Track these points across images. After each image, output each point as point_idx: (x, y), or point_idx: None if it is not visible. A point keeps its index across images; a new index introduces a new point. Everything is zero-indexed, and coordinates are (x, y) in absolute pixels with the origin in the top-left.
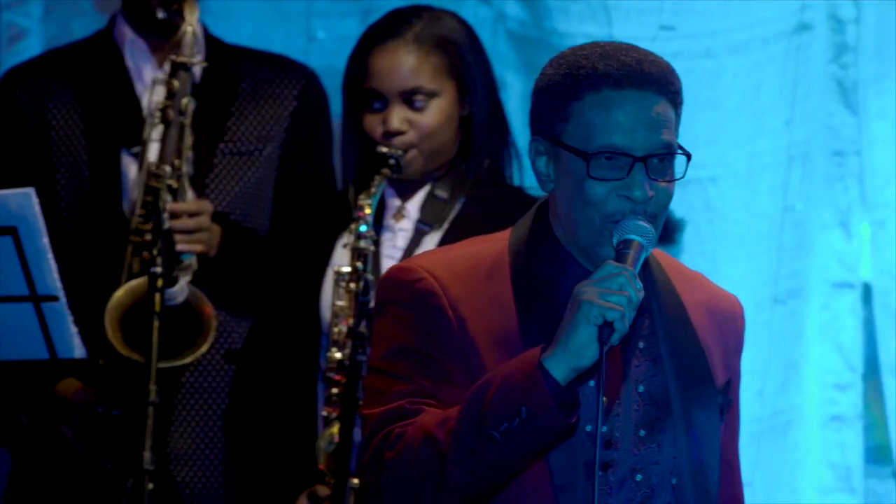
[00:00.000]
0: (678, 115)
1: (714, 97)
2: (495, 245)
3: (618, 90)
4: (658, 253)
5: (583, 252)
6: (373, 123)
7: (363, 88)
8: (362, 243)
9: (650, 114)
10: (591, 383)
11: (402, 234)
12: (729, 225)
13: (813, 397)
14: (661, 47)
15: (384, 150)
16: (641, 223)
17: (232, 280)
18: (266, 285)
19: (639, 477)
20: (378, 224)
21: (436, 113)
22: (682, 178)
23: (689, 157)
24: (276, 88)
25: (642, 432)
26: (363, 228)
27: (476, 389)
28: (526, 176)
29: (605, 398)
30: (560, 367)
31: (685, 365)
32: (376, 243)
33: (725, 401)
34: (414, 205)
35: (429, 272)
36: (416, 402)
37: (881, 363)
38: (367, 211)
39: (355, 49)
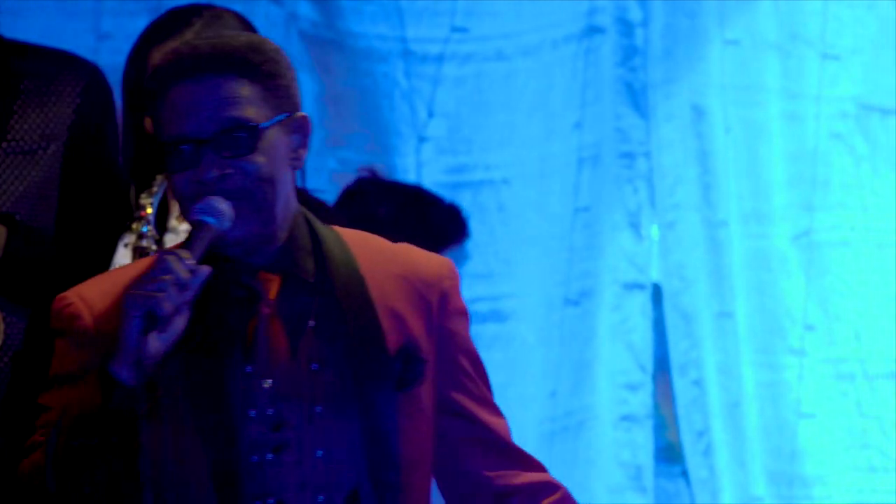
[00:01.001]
0: (268, 88)
1: (506, 100)
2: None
3: (178, 81)
4: (349, 232)
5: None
6: None
7: (143, 87)
8: (144, 242)
9: (211, 95)
10: (249, 369)
11: (185, 235)
12: (521, 226)
13: (604, 397)
14: (454, 49)
15: None
16: (209, 201)
17: (17, 281)
18: (51, 285)
19: (319, 453)
20: (162, 226)
21: None
22: (251, 152)
23: (258, 127)
24: (59, 86)
25: (318, 408)
26: (145, 228)
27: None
28: (309, 178)
29: (270, 381)
30: (123, 367)
31: (358, 339)
32: (159, 244)
33: (415, 364)
34: None
35: (79, 296)
36: (49, 431)
37: (671, 363)
38: (149, 210)
39: (135, 47)
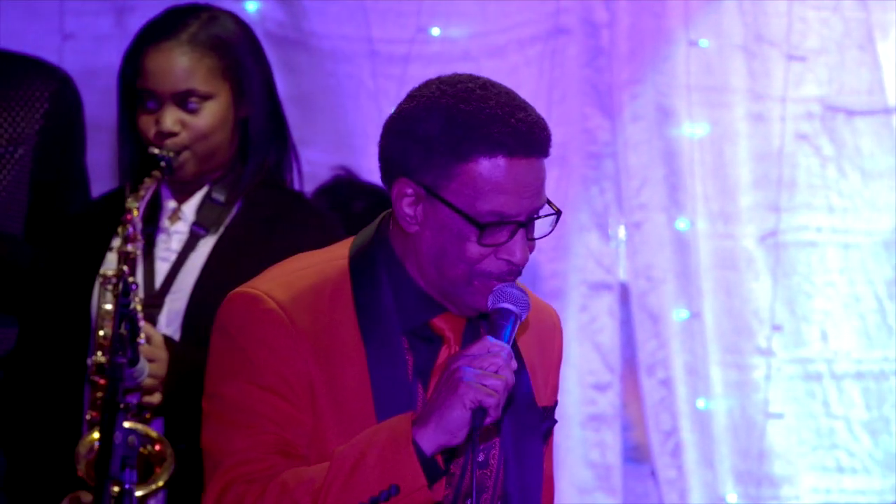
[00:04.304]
0: None
1: None
2: (335, 266)
3: (511, 158)
4: None
5: (443, 294)
6: (147, 124)
7: (137, 88)
8: (129, 246)
9: (537, 179)
10: None
11: (177, 236)
12: None
13: (573, 397)
14: (420, 50)
15: (155, 151)
16: (517, 291)
17: (2, 288)
18: (28, 289)
19: (469, 502)
20: (154, 226)
21: (209, 115)
22: (550, 232)
23: (559, 214)
24: (26, 90)
25: (480, 457)
26: (129, 231)
27: (344, 454)
28: (308, 182)
29: None
30: (431, 443)
31: (519, 398)
32: (152, 245)
33: (551, 422)
34: (190, 207)
35: (276, 301)
36: (268, 455)
37: (639, 363)
38: (135, 213)
39: (130, 47)
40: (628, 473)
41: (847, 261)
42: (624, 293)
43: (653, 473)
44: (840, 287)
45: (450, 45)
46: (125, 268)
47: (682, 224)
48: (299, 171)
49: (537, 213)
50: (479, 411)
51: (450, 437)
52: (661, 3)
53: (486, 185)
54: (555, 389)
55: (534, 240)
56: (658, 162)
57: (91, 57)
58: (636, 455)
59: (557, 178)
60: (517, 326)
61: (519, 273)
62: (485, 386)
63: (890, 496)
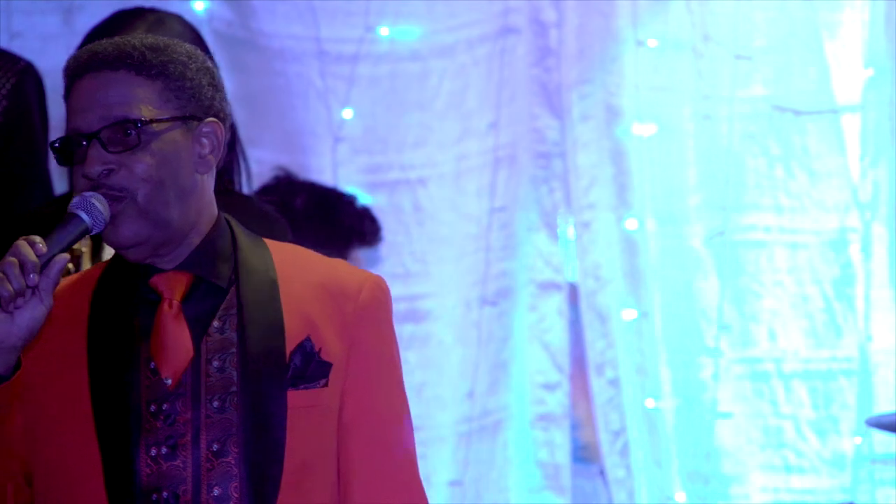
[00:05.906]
0: (170, 89)
1: (421, 99)
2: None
3: (78, 79)
4: (281, 245)
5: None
6: None
7: None
8: (75, 245)
9: (103, 91)
10: (153, 365)
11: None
12: (437, 226)
13: (522, 397)
14: (368, 49)
15: None
16: (87, 197)
17: None
18: None
19: (215, 447)
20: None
21: None
22: (138, 145)
23: (140, 122)
24: None
25: (216, 404)
26: None
27: None
28: (256, 182)
29: (170, 377)
30: None
31: (255, 340)
32: (100, 248)
33: (315, 364)
34: None
35: None
36: None
37: (588, 363)
38: None
39: (77, 49)
40: (577, 473)
41: (795, 260)
42: (573, 293)
43: (602, 473)
44: (788, 287)
45: (398, 44)
46: (71, 266)
47: (630, 224)
48: (248, 174)
49: (111, 124)
50: None
51: None
52: (609, 3)
53: (66, 112)
54: (364, 343)
55: (125, 152)
56: (607, 161)
57: (38, 56)
58: (585, 454)
59: (507, 178)
60: (77, 227)
61: (114, 188)
62: None
63: (838, 495)
